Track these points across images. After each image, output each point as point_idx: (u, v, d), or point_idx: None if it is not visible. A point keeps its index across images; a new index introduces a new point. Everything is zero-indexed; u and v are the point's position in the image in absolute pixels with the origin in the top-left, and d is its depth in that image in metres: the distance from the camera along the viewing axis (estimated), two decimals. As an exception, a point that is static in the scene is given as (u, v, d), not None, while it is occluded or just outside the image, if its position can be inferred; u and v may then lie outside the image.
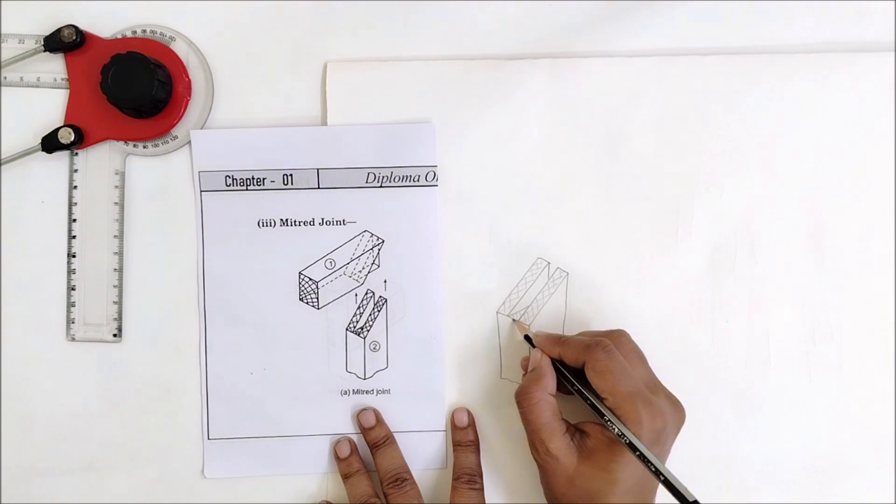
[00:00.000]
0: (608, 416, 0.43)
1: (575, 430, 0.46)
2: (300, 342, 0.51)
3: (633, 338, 0.47)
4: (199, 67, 0.51)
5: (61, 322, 0.51)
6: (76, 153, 0.51)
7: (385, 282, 0.51)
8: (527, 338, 0.50)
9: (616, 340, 0.46)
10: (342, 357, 0.51)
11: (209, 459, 0.51)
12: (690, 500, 0.39)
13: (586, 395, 0.45)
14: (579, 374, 0.46)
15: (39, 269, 0.51)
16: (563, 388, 0.47)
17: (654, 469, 0.41)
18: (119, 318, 0.51)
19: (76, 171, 0.51)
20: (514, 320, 0.51)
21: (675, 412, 0.45)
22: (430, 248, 0.51)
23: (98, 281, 0.51)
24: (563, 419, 0.46)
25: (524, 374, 0.48)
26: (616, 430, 0.43)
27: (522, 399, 0.46)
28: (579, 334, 0.49)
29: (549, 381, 0.47)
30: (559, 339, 0.47)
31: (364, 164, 0.51)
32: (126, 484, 0.51)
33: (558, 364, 0.47)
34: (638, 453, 0.41)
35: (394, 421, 0.51)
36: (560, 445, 0.44)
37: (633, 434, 0.42)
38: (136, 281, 0.51)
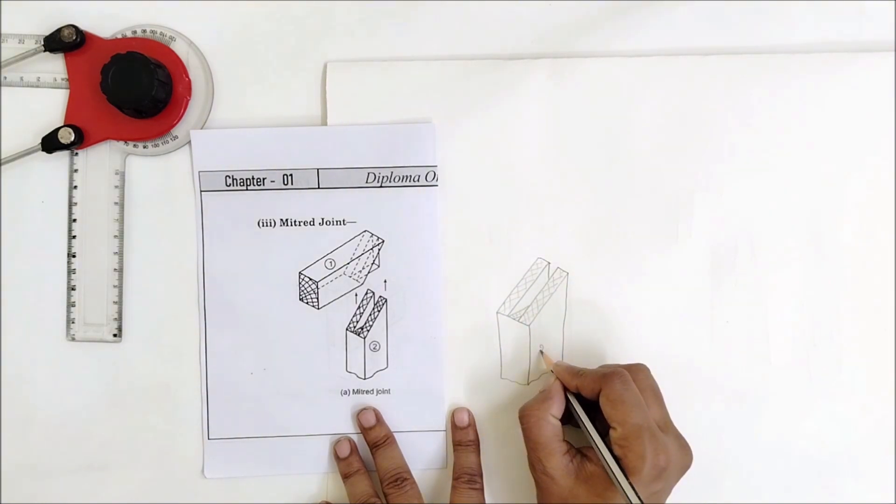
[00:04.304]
0: (600, 450, 0.43)
1: (576, 453, 0.46)
2: (300, 342, 0.51)
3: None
4: (199, 67, 0.51)
5: (61, 322, 0.51)
6: (76, 153, 0.51)
7: (385, 282, 0.51)
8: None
9: (635, 373, 0.46)
10: (342, 357, 0.51)
11: (209, 459, 0.51)
12: None
13: (586, 425, 0.45)
14: (595, 408, 0.45)
15: (39, 269, 0.51)
16: (574, 421, 0.47)
17: None
18: (119, 318, 0.51)
19: (76, 171, 0.51)
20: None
21: (681, 453, 0.44)
22: (430, 248, 0.51)
23: (98, 281, 0.51)
24: (565, 441, 0.46)
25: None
26: (606, 466, 0.43)
27: (524, 416, 0.46)
28: (601, 367, 0.48)
29: (556, 404, 0.46)
30: (578, 372, 0.47)
31: (364, 164, 0.51)
32: (126, 484, 0.51)
33: (574, 396, 0.47)
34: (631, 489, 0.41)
35: (394, 421, 0.51)
36: (557, 465, 0.44)
37: (635, 467, 0.42)
38: (136, 281, 0.51)
